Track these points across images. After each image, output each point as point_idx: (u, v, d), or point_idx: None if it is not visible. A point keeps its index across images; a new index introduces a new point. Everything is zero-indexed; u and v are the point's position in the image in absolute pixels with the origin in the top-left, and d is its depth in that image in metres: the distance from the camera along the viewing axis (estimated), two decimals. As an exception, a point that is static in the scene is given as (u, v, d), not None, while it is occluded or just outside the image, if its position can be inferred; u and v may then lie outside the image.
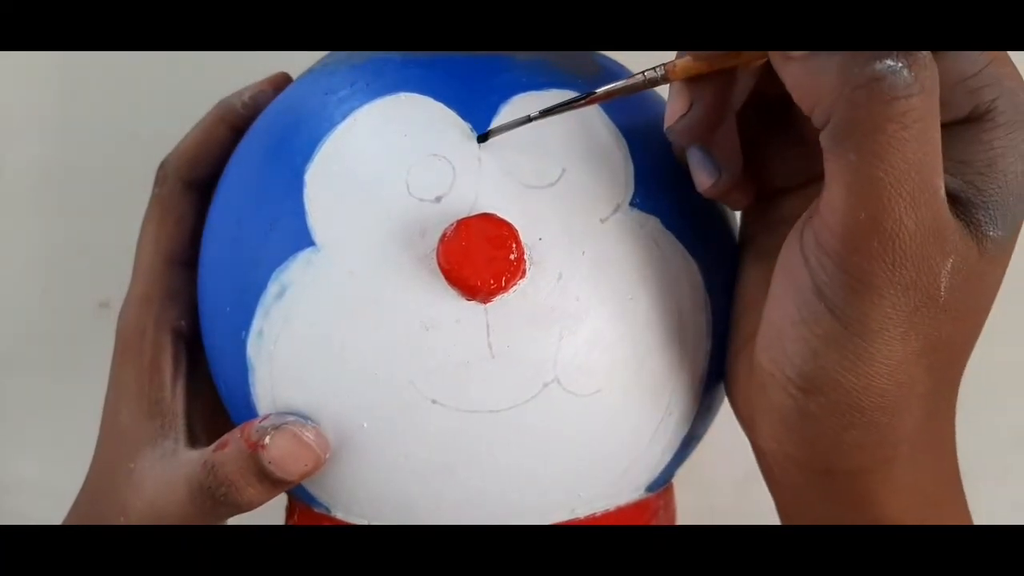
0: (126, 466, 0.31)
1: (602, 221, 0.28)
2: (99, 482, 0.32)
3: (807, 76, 0.23)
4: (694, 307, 0.29)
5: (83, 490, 0.33)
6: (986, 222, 0.24)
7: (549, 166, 0.28)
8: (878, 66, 0.22)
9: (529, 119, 0.28)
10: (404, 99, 0.29)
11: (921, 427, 0.26)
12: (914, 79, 0.22)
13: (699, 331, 0.29)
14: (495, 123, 0.28)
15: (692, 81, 0.27)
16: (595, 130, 0.29)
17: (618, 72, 0.32)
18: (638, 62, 0.29)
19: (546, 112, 0.28)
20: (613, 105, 0.29)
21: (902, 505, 0.27)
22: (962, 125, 0.24)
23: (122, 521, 0.30)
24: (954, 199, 0.24)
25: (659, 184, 0.29)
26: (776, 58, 0.24)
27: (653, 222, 0.28)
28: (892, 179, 0.22)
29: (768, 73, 0.26)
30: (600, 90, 0.27)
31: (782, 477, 0.28)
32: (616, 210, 0.28)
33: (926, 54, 0.22)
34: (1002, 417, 0.49)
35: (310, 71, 0.32)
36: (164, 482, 0.30)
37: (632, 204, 0.28)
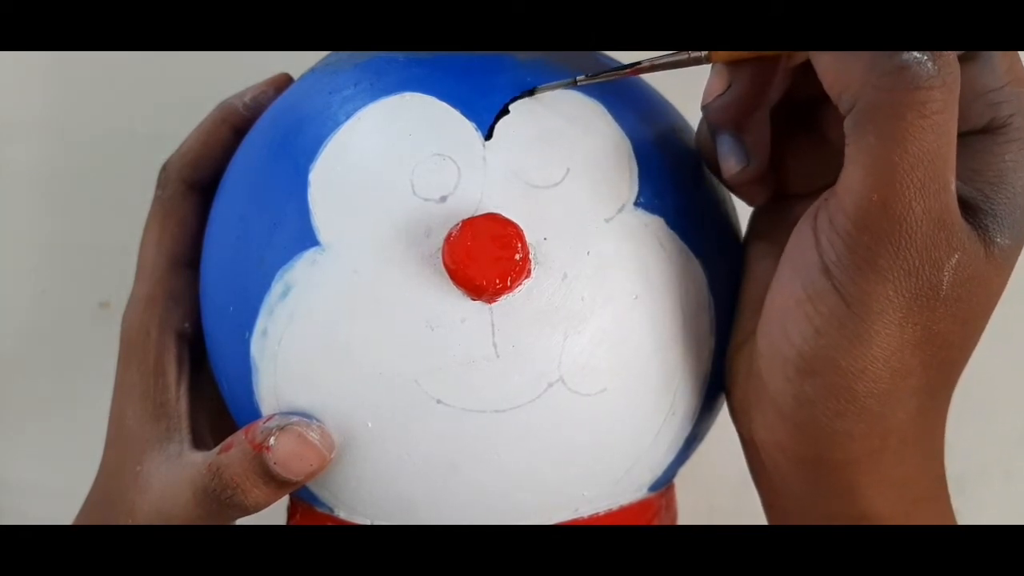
0: (133, 468, 0.31)
1: (607, 221, 0.28)
2: (107, 484, 0.32)
3: (838, 63, 0.24)
4: (698, 307, 0.29)
5: (92, 491, 0.33)
6: (994, 229, 0.25)
7: (554, 166, 0.28)
8: (905, 56, 0.23)
9: (576, 82, 0.28)
10: (408, 98, 0.29)
11: (912, 422, 0.27)
12: (937, 72, 0.23)
13: (703, 331, 0.29)
14: (499, 128, 0.28)
15: (733, 63, 0.27)
16: (600, 130, 0.29)
17: None
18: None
19: (591, 77, 0.28)
20: (617, 105, 0.29)
21: (888, 499, 0.27)
22: (978, 136, 0.25)
23: (130, 523, 0.30)
24: (965, 205, 0.25)
25: (664, 184, 0.29)
26: None
27: (657, 222, 0.28)
28: (906, 165, 0.23)
29: (801, 76, 0.28)
30: (645, 61, 0.28)
31: (772, 469, 0.29)
32: (621, 210, 0.28)
33: (951, 53, 0.23)
34: (1003, 417, 0.49)
35: (313, 70, 0.32)
36: (170, 485, 0.30)
37: (636, 204, 0.28)
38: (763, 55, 0.27)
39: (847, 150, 0.24)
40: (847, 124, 0.24)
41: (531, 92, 0.28)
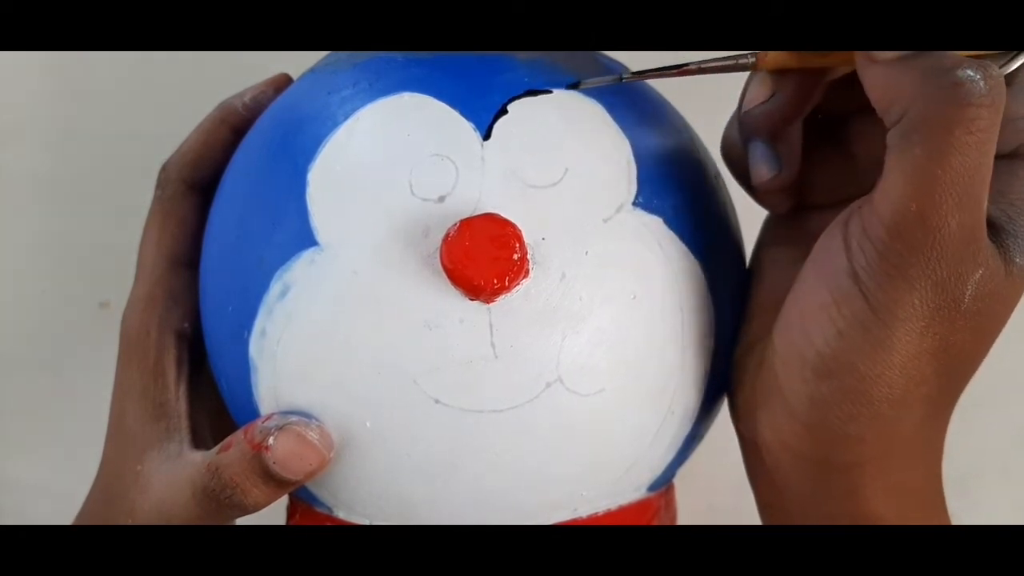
0: (133, 468, 0.31)
1: (605, 221, 0.28)
2: (107, 483, 0.32)
3: (889, 77, 0.25)
4: (697, 307, 0.29)
5: (92, 491, 0.33)
6: (1014, 249, 0.26)
7: (552, 166, 0.28)
8: (959, 73, 0.24)
9: (621, 79, 0.29)
10: (407, 99, 0.29)
11: (918, 428, 0.27)
12: (988, 91, 0.23)
13: (701, 331, 0.29)
14: (497, 128, 0.28)
15: (778, 73, 0.28)
16: (599, 130, 0.29)
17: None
18: (640, 62, 0.29)
19: (637, 74, 0.29)
20: (617, 106, 0.29)
21: (889, 503, 0.28)
22: (1006, 159, 0.26)
23: (130, 523, 0.30)
24: (989, 223, 0.25)
25: (662, 184, 0.29)
26: (861, 60, 0.25)
27: (656, 222, 0.28)
28: (948, 179, 0.24)
29: (831, 90, 0.28)
30: (693, 63, 0.28)
31: (774, 470, 0.29)
32: (619, 210, 0.28)
33: (999, 74, 0.24)
34: (1002, 417, 0.49)
35: (312, 70, 0.32)
36: (169, 484, 0.30)
37: (635, 204, 0.28)
38: (810, 65, 0.27)
39: (888, 160, 0.25)
40: (892, 135, 0.25)
41: (575, 86, 0.29)
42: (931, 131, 0.24)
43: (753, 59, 0.28)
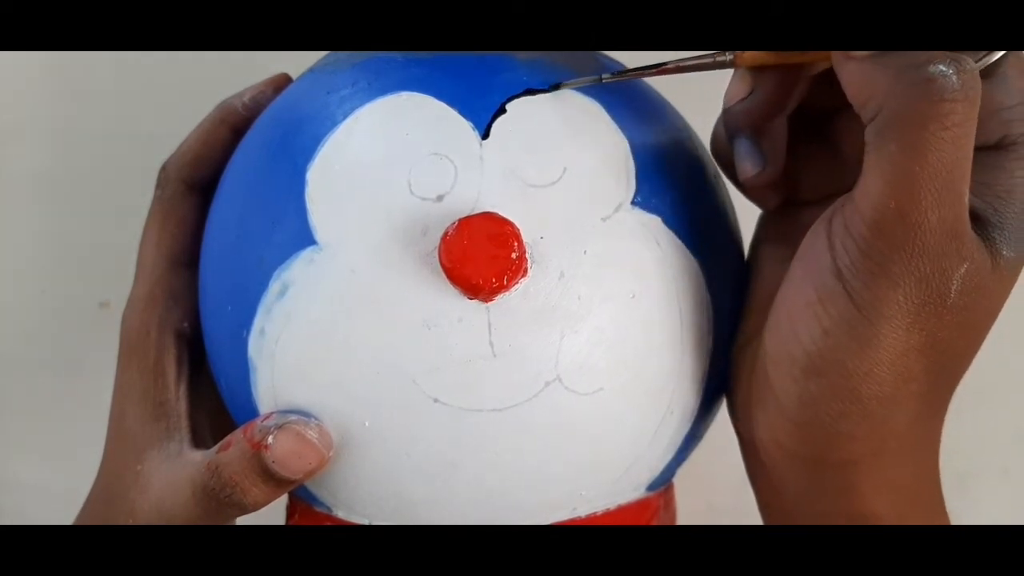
0: (133, 468, 0.31)
1: (604, 220, 0.28)
2: (108, 483, 0.32)
3: (864, 74, 0.25)
4: (695, 306, 0.29)
5: (93, 490, 0.33)
6: (1000, 241, 0.25)
7: (551, 165, 0.28)
8: (931, 68, 0.23)
9: (601, 80, 0.29)
10: (406, 98, 0.29)
11: (912, 425, 0.27)
12: (961, 86, 0.23)
13: (700, 330, 0.29)
14: (496, 127, 0.28)
15: (757, 69, 0.28)
16: (598, 130, 0.29)
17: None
18: (640, 63, 0.30)
19: (617, 75, 0.29)
20: (616, 105, 0.29)
21: (884, 500, 0.28)
22: (990, 151, 0.26)
23: (131, 523, 0.30)
24: (975, 216, 0.25)
25: (661, 183, 0.29)
26: (837, 57, 0.25)
27: (655, 221, 0.28)
28: (925, 174, 0.24)
29: (817, 86, 0.28)
30: (671, 63, 0.28)
31: (771, 469, 0.29)
32: (618, 209, 0.28)
33: (974, 67, 0.24)
34: (1002, 417, 0.49)
35: (311, 70, 0.32)
36: (169, 484, 0.30)
37: (634, 203, 0.28)
38: (787, 62, 0.27)
39: (867, 157, 0.25)
40: (869, 132, 0.25)
41: (556, 86, 0.29)
42: (905, 128, 0.24)
43: (731, 57, 0.28)
